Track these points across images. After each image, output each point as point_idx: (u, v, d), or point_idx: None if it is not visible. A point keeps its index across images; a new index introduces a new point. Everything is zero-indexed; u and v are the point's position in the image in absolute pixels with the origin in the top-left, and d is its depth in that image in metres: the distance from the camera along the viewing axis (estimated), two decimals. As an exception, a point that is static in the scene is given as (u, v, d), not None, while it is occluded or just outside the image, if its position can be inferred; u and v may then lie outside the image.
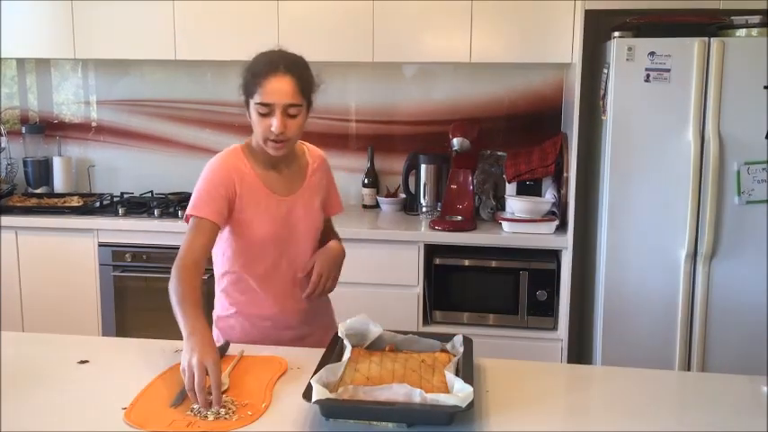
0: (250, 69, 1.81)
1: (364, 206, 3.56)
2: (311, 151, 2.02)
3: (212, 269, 1.97)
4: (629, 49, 2.67)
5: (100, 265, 3.23)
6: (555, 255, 3.04)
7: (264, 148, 1.83)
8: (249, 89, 1.79)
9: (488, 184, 3.40)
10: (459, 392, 1.36)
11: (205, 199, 1.81)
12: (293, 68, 1.78)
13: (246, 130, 3.72)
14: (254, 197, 1.86)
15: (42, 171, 3.71)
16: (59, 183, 3.71)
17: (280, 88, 1.75)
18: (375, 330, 1.66)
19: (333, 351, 1.60)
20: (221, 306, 1.99)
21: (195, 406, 1.44)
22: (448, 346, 1.66)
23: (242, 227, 1.86)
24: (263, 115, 1.78)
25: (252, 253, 1.89)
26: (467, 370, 1.50)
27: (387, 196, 3.55)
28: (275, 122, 1.76)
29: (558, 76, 3.43)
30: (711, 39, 2.64)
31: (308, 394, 1.35)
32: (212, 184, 1.83)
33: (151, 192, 3.65)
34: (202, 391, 1.42)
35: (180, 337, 1.82)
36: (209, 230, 1.79)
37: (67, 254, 3.25)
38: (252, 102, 1.79)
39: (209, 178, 1.84)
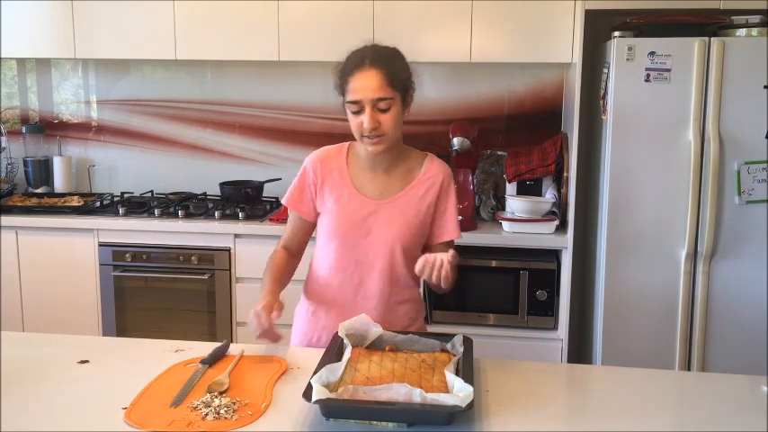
0: (339, 69, 1.80)
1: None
2: (432, 167, 1.90)
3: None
4: (629, 48, 2.67)
5: (100, 265, 3.23)
6: (555, 255, 3.04)
7: (364, 146, 1.81)
8: (341, 89, 1.79)
9: (488, 183, 3.40)
10: (460, 392, 1.36)
11: (293, 189, 1.92)
12: (380, 62, 1.74)
13: (247, 130, 3.75)
14: (336, 191, 1.86)
15: (42, 171, 3.71)
16: (59, 182, 3.70)
17: (366, 84, 1.72)
18: (375, 330, 1.66)
19: (333, 351, 1.60)
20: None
21: (196, 402, 1.45)
22: (448, 346, 1.66)
23: (321, 218, 1.89)
24: (355, 113, 1.76)
25: (323, 248, 1.89)
26: (467, 370, 1.50)
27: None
28: (366, 119, 1.73)
29: (558, 76, 3.42)
30: (711, 39, 2.64)
31: (308, 394, 1.35)
32: (301, 174, 1.91)
33: (151, 192, 3.65)
34: (257, 329, 1.67)
35: (179, 337, 1.85)
36: (297, 219, 1.93)
37: (67, 254, 3.25)
38: (344, 101, 1.78)
39: (302, 169, 1.92)
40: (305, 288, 1.99)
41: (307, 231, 1.95)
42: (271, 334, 1.68)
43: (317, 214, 1.90)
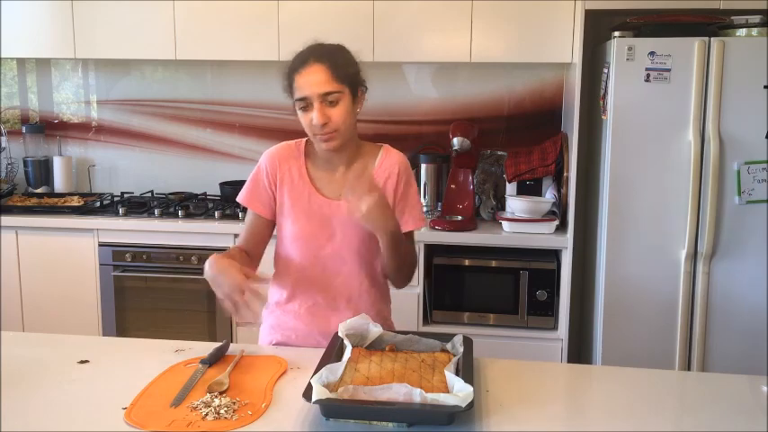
0: (286, 69, 1.78)
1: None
2: (386, 158, 1.86)
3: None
4: (629, 48, 2.67)
5: (100, 265, 3.23)
6: (555, 255, 3.04)
7: (318, 145, 1.78)
8: (289, 89, 1.77)
9: (488, 183, 3.41)
10: (460, 392, 1.36)
11: (250, 187, 1.88)
12: (324, 57, 1.73)
13: (248, 130, 3.75)
14: (295, 191, 1.83)
15: (42, 171, 3.71)
16: (59, 182, 3.71)
17: (311, 79, 1.70)
18: (375, 330, 1.66)
19: (333, 351, 1.60)
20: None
21: (196, 402, 1.45)
22: (448, 346, 1.66)
23: (281, 218, 1.85)
24: (303, 110, 1.74)
25: (287, 248, 1.86)
26: (467, 370, 1.50)
27: (387, 196, 3.54)
28: (315, 114, 1.71)
29: (558, 76, 3.43)
30: (711, 39, 2.64)
31: (308, 394, 1.35)
32: (258, 171, 1.87)
33: (151, 192, 3.65)
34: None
35: (179, 337, 1.85)
36: (255, 217, 1.87)
37: (67, 254, 3.25)
38: (294, 100, 1.76)
39: (258, 166, 1.88)
40: (271, 291, 1.94)
41: (265, 230, 1.87)
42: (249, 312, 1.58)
43: (275, 212, 1.86)
